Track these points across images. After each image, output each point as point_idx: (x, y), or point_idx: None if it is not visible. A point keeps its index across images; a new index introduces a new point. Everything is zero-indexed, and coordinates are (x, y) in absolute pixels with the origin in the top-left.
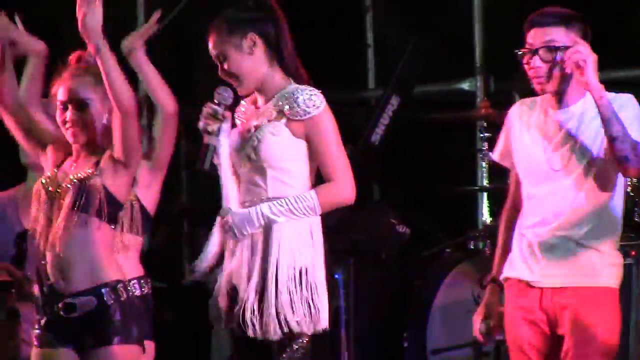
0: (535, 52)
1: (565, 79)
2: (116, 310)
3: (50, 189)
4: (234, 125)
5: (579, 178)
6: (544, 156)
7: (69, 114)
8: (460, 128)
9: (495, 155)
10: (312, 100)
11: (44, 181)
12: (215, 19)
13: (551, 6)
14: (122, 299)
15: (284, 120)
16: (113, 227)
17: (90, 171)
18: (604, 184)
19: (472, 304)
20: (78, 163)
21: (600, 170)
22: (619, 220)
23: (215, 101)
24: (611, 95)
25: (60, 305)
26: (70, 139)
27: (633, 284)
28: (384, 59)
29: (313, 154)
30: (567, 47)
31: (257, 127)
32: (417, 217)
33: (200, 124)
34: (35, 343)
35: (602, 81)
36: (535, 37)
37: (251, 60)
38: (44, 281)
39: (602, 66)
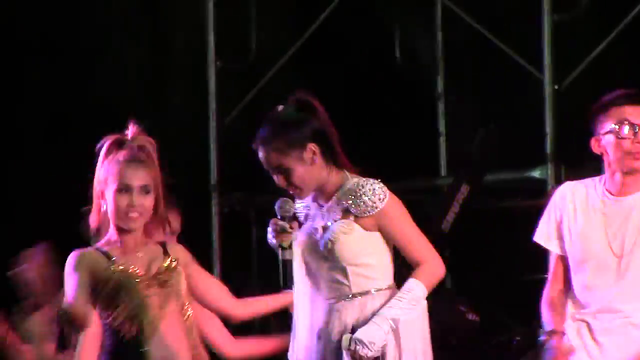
0: None
1: None
2: None
3: None
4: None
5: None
6: (606, 242)
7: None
8: (532, 216)
9: (541, 238)
10: (377, 194)
11: None
12: (266, 130)
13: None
14: None
15: (352, 218)
16: None
17: None
18: None
19: None
20: None
21: None
22: None
23: (279, 216)
24: None
25: None
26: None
27: None
28: (456, 146)
29: (391, 242)
30: None
31: (325, 228)
32: (487, 305)
33: (273, 242)
34: None
35: None
36: (638, 114)
37: (313, 169)
38: None
39: None
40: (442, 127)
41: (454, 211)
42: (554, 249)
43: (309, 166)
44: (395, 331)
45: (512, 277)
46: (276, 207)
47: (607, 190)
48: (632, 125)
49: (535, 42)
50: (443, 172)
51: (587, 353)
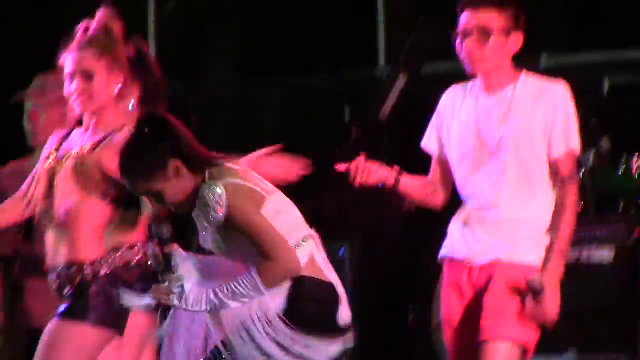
0: (469, 34)
1: (496, 62)
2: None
3: (49, 165)
4: None
5: (510, 160)
6: (476, 140)
7: (74, 85)
8: None
9: (425, 141)
10: (219, 199)
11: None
12: (125, 161)
13: None
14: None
15: (212, 227)
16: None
17: (89, 147)
18: (536, 166)
19: None
20: (85, 136)
21: (532, 155)
22: (551, 200)
23: (156, 241)
24: (542, 83)
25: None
26: (77, 109)
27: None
28: (395, 35)
29: (246, 240)
30: (500, 30)
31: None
32: None
33: (154, 266)
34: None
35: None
36: (469, 19)
37: (182, 182)
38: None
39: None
40: (381, 17)
41: (392, 100)
42: (432, 150)
43: (175, 182)
44: (217, 317)
45: None
46: (152, 231)
47: (480, 88)
48: (462, 32)
49: None
50: (382, 61)
51: (465, 245)
